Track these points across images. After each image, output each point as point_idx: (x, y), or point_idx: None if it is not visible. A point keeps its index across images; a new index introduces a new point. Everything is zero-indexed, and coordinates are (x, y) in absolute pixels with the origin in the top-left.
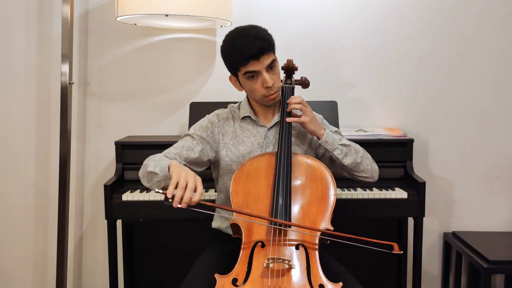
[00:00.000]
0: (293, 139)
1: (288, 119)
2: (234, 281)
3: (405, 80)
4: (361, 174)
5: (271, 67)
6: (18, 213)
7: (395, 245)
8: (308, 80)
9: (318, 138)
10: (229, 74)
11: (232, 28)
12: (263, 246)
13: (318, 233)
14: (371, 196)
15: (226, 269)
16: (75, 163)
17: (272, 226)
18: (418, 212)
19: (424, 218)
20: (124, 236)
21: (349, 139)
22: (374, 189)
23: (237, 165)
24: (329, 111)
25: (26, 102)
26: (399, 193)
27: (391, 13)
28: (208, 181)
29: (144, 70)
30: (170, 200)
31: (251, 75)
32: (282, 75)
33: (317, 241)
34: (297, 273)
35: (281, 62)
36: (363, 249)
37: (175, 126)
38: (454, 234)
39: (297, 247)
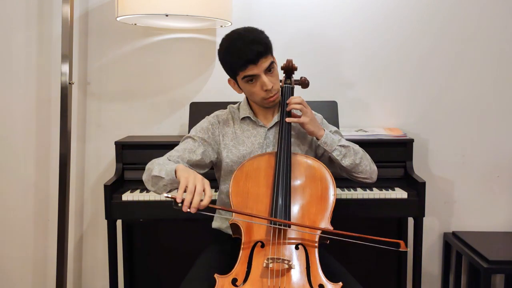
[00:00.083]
0: (293, 139)
1: (288, 119)
2: (234, 281)
3: (405, 80)
4: (359, 175)
5: (269, 69)
6: (18, 213)
7: (402, 243)
8: (307, 80)
9: (317, 139)
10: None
11: (232, 28)
12: (262, 246)
13: (318, 232)
14: (371, 196)
15: (226, 269)
16: (75, 163)
17: (272, 225)
18: (418, 212)
19: (424, 218)
20: (124, 236)
21: (349, 139)
22: (374, 189)
23: (237, 165)
24: (329, 111)
25: (26, 102)
26: (399, 193)
27: (391, 13)
28: (212, 181)
29: (144, 70)
30: (180, 204)
31: (250, 79)
32: (282, 75)
33: (317, 240)
34: (296, 273)
35: (281, 62)
36: (363, 249)
37: (175, 126)
38: (454, 234)
39: (296, 247)
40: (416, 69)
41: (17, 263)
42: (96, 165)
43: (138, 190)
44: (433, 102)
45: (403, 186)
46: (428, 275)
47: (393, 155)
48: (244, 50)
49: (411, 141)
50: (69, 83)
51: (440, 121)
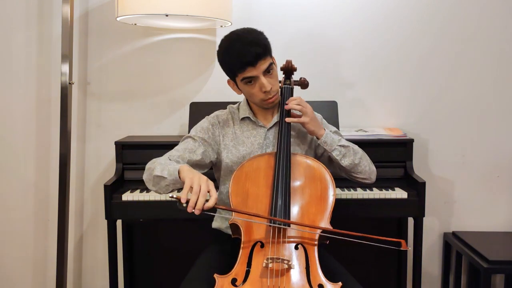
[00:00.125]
0: (292, 138)
1: (288, 119)
2: (234, 281)
3: (405, 80)
4: (358, 175)
5: (268, 70)
6: (18, 213)
7: (403, 242)
8: (307, 81)
9: (318, 138)
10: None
11: (232, 28)
12: (262, 246)
13: (318, 231)
14: (371, 196)
15: (226, 269)
16: (75, 163)
17: (272, 225)
18: (418, 212)
19: (424, 218)
20: (124, 236)
21: (349, 139)
22: (374, 189)
23: (237, 166)
24: (329, 111)
25: (26, 102)
26: (399, 193)
27: (391, 13)
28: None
29: (144, 70)
30: (185, 205)
31: (249, 80)
32: (281, 76)
33: (316, 240)
34: (296, 273)
35: (281, 62)
36: (363, 249)
37: (175, 126)
38: (454, 234)
39: (296, 247)
40: (416, 69)
41: (17, 263)
42: (96, 165)
43: (138, 190)
44: (433, 102)
45: (403, 186)
46: (428, 275)
47: (393, 155)
48: (242, 52)
49: (411, 141)
50: (69, 83)
51: (440, 121)
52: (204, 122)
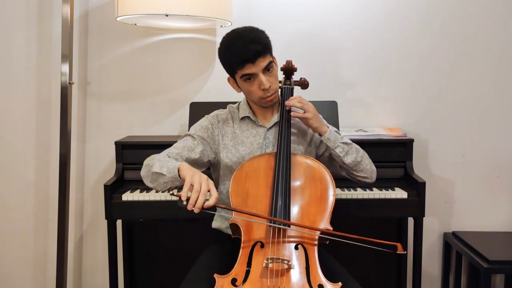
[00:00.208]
0: (292, 138)
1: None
2: (234, 281)
3: (405, 80)
4: (360, 173)
5: (268, 69)
6: (18, 213)
7: (399, 245)
8: (307, 81)
9: (320, 135)
10: (227, 75)
11: (232, 28)
12: (262, 246)
13: (318, 232)
14: (371, 196)
15: (226, 269)
16: (75, 163)
17: (272, 225)
18: (418, 212)
19: (424, 218)
20: (124, 236)
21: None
22: (374, 189)
23: (237, 166)
24: (329, 111)
25: (26, 102)
26: (399, 193)
27: (391, 13)
28: None
29: (144, 70)
30: (185, 203)
31: (248, 78)
32: (281, 76)
33: (316, 240)
34: (296, 273)
35: (281, 62)
36: (363, 249)
37: (175, 126)
38: (454, 234)
39: (296, 247)
40: (416, 69)
41: (17, 263)
42: (96, 165)
43: (138, 190)
44: (433, 102)
45: (403, 186)
46: (428, 275)
47: (393, 155)
48: (242, 49)
49: (411, 141)
50: (69, 83)
51: (440, 121)
52: (204, 121)
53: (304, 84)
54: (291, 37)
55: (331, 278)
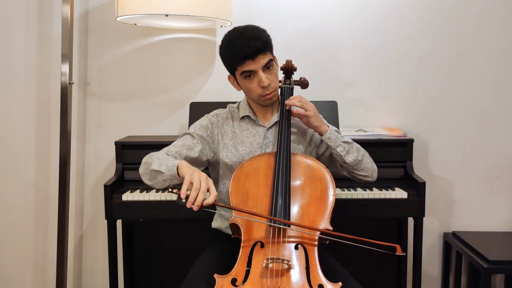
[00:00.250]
0: (292, 138)
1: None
2: (234, 281)
3: (405, 80)
4: (361, 172)
5: (268, 67)
6: (18, 213)
7: (398, 247)
8: (307, 81)
9: (321, 135)
10: (228, 73)
11: (232, 28)
12: (262, 246)
13: (318, 232)
14: (371, 196)
15: (226, 269)
16: (75, 163)
17: (272, 224)
18: (418, 212)
19: (424, 218)
20: (124, 236)
21: None
22: (374, 189)
23: (236, 165)
24: (329, 111)
25: (26, 102)
26: (399, 193)
27: (391, 13)
28: None
29: (144, 70)
30: (184, 200)
31: (248, 75)
32: (281, 76)
33: (316, 240)
34: (296, 273)
35: (281, 62)
36: (363, 249)
37: (175, 126)
38: (454, 234)
39: (296, 247)
40: (416, 69)
41: (17, 263)
42: (96, 165)
43: (138, 190)
44: (433, 102)
45: (403, 186)
46: (428, 275)
47: (393, 155)
48: (243, 46)
49: (411, 141)
50: (69, 83)
51: (440, 121)
52: (204, 120)
53: (304, 84)
54: (291, 37)
55: (331, 278)
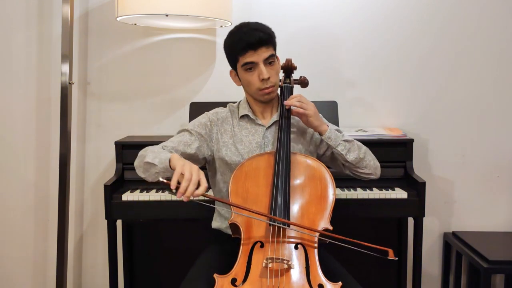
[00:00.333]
0: (292, 137)
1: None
2: (233, 281)
3: (405, 80)
4: (364, 170)
5: (269, 62)
6: (18, 213)
7: (390, 251)
8: (307, 80)
9: (321, 134)
10: (228, 73)
11: (232, 28)
12: (262, 246)
13: (317, 233)
14: (371, 196)
15: (226, 269)
16: (75, 163)
17: (271, 223)
18: (418, 212)
19: (424, 218)
20: (124, 236)
21: None
22: (374, 189)
23: (236, 164)
24: (329, 111)
25: (26, 102)
26: (399, 193)
27: (391, 13)
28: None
29: (144, 70)
30: (174, 191)
31: (249, 67)
32: (281, 75)
33: (316, 241)
34: (296, 273)
35: (281, 61)
36: (357, 251)
37: (175, 126)
38: (454, 234)
39: (296, 247)
40: (416, 69)
41: (17, 263)
42: (96, 165)
43: (138, 190)
44: (433, 102)
45: (403, 186)
46: (428, 275)
47: (393, 155)
48: (246, 35)
49: (411, 141)
50: (69, 83)
51: (440, 121)
52: (203, 118)
53: (304, 83)
54: (291, 37)
55: (331, 278)
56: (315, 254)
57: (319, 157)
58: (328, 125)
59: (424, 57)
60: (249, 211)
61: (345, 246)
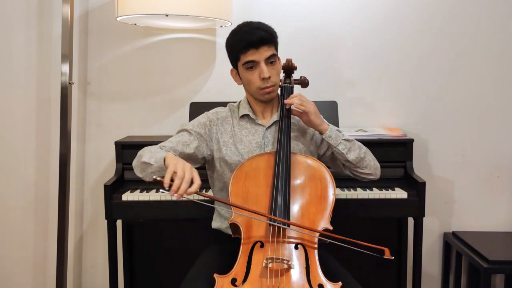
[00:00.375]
0: (293, 137)
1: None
2: (233, 281)
3: (405, 80)
4: (364, 170)
5: (271, 61)
6: (18, 213)
7: (386, 250)
8: (307, 80)
9: (321, 133)
10: (228, 73)
11: (232, 28)
12: (262, 246)
13: (317, 233)
14: (371, 196)
15: (226, 269)
16: (75, 163)
17: (271, 223)
18: (418, 212)
19: (424, 218)
20: (124, 236)
21: None
22: (374, 189)
23: (236, 164)
24: (329, 111)
25: (26, 102)
26: (399, 193)
27: (391, 13)
28: (205, 181)
29: (144, 70)
30: (167, 189)
31: (250, 66)
32: (282, 75)
33: (316, 241)
34: (296, 273)
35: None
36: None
37: (175, 126)
38: (454, 234)
39: (296, 247)
40: (416, 69)
41: (17, 263)
42: (96, 165)
43: (138, 190)
44: (433, 102)
45: (403, 186)
46: (428, 275)
47: (393, 155)
48: (248, 33)
49: (411, 141)
50: (69, 83)
51: (440, 121)
52: (203, 117)
53: (304, 83)
54: (291, 37)
55: (331, 278)
56: (315, 254)
57: (320, 157)
58: (328, 125)
59: (424, 57)
60: (249, 211)
61: (343, 245)
